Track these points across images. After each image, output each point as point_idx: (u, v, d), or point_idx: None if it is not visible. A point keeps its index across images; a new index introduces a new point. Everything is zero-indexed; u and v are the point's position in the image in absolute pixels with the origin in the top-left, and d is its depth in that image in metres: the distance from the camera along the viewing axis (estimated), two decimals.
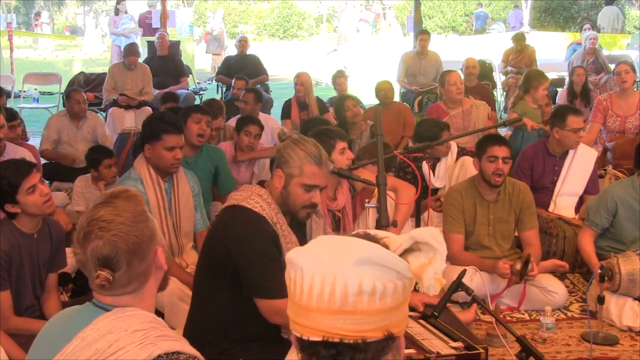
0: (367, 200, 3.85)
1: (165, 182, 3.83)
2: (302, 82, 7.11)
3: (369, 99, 8.92)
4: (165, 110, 4.19)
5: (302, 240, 2.84)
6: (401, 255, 1.33)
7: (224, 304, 2.71)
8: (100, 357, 1.50)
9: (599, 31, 13.46)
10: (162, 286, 1.75)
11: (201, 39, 20.67)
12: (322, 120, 5.58)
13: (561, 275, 4.22)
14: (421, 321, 2.90)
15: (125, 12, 13.64)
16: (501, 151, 3.85)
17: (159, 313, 3.55)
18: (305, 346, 1.22)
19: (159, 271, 1.71)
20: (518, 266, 3.62)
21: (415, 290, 1.37)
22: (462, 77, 7.51)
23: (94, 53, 14.05)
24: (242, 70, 9.04)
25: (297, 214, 2.73)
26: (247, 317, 2.68)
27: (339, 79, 7.86)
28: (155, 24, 12.17)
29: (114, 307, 1.62)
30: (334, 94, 8.27)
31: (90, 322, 1.57)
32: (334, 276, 1.17)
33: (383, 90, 6.91)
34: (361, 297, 1.17)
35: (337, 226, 3.67)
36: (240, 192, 2.77)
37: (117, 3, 13.70)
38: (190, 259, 3.92)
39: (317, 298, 1.18)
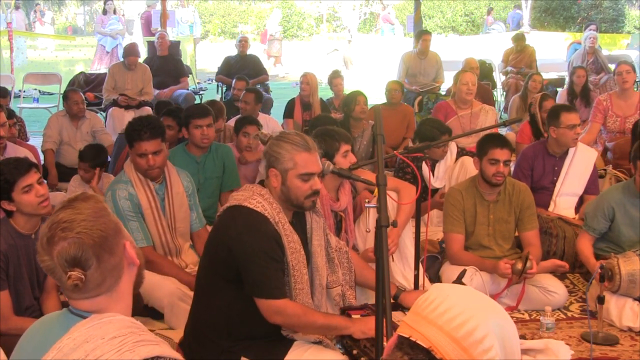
0: (367, 200, 3.85)
1: (158, 184, 3.82)
2: (307, 82, 7.11)
3: (369, 99, 8.91)
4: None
5: (303, 238, 2.85)
6: (524, 351, 1.39)
7: (229, 302, 2.71)
8: None
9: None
10: (138, 283, 1.72)
11: (202, 38, 20.71)
12: (329, 118, 5.55)
13: (561, 275, 4.22)
14: None
15: (114, 13, 13.66)
16: (503, 154, 3.84)
17: (159, 314, 3.56)
18: (406, 345, 1.28)
19: (132, 267, 1.67)
20: (519, 266, 3.61)
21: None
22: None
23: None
24: (242, 70, 9.05)
25: (303, 206, 2.75)
26: (252, 316, 2.68)
27: (335, 79, 7.84)
28: (155, 24, 12.18)
29: (91, 313, 1.59)
30: (331, 94, 8.26)
31: (66, 331, 1.54)
32: (471, 315, 1.26)
33: (391, 90, 6.96)
34: (477, 346, 1.24)
35: (339, 227, 3.67)
36: (241, 192, 2.77)
37: (105, 3, 13.72)
38: (189, 259, 3.92)
39: (446, 320, 1.26)
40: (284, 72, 16.78)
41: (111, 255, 1.59)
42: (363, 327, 2.70)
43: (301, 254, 2.75)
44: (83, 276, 1.54)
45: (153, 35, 13.45)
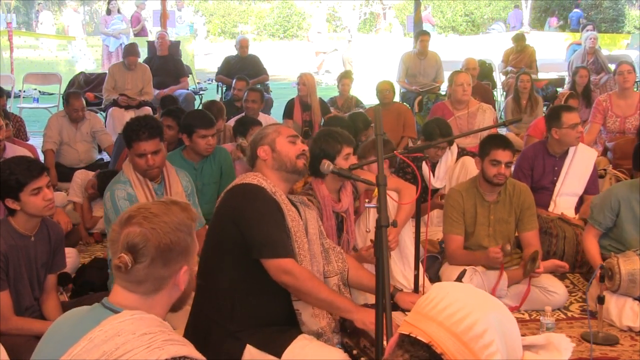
0: (367, 200, 3.85)
1: (157, 184, 3.81)
2: (304, 82, 7.10)
3: (370, 99, 8.92)
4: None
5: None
6: (525, 347, 1.38)
7: (232, 284, 2.76)
8: None
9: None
10: (176, 307, 1.76)
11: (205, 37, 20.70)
12: (343, 120, 5.52)
13: (561, 275, 4.22)
14: None
15: (118, 12, 13.61)
16: (505, 156, 3.84)
17: None
18: (407, 342, 1.29)
19: (176, 289, 1.70)
20: (508, 247, 3.63)
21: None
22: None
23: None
24: (243, 70, 9.03)
25: (296, 166, 2.89)
26: (255, 298, 2.73)
27: (344, 79, 7.86)
28: (156, 23, 12.18)
29: (123, 308, 1.62)
30: (334, 93, 8.26)
31: (98, 324, 1.58)
32: (471, 310, 1.26)
33: (382, 91, 6.94)
34: (477, 340, 1.24)
35: (341, 227, 3.67)
36: (236, 179, 2.92)
37: (108, 3, 13.69)
38: None
39: (446, 316, 1.26)
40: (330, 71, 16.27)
41: (163, 267, 1.64)
42: (365, 317, 2.70)
43: (299, 223, 2.85)
44: (130, 264, 1.61)
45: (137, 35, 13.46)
